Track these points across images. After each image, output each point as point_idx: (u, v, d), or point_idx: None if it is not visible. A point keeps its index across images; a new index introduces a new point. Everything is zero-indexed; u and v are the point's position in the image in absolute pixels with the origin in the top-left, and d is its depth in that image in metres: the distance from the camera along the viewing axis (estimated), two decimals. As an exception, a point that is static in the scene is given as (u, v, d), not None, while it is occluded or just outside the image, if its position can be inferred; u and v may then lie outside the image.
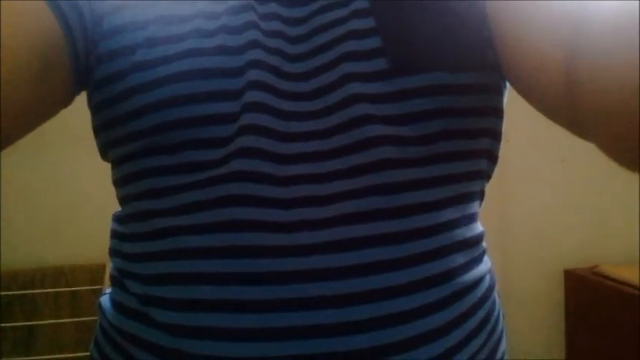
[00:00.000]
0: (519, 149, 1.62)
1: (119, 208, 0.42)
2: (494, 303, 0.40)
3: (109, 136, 0.39)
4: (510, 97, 0.41)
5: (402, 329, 0.32)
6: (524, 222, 1.77)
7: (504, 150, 0.42)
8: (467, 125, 0.37)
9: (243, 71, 0.36)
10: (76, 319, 1.46)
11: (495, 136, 0.40)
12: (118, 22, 0.38)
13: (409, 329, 0.32)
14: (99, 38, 0.37)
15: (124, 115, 0.36)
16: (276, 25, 0.38)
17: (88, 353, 0.42)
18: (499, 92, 0.39)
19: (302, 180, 0.34)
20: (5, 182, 1.45)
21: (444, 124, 0.35)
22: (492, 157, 0.41)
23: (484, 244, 0.41)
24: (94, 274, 1.51)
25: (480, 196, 0.42)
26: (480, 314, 0.37)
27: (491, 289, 0.40)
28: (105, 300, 0.41)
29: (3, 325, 1.42)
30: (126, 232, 0.40)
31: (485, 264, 0.40)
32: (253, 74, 0.35)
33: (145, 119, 0.35)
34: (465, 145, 0.37)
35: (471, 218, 0.39)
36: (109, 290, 0.41)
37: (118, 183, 0.41)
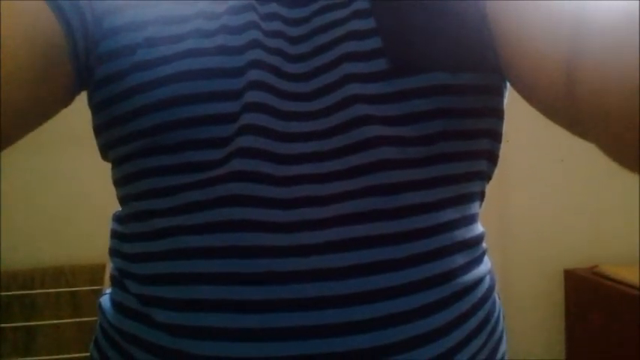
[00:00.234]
0: (519, 149, 1.62)
1: (119, 208, 0.42)
2: (494, 303, 0.40)
3: (110, 136, 0.39)
4: (510, 98, 0.41)
5: (402, 329, 0.32)
6: (524, 222, 1.77)
7: (504, 150, 0.42)
8: (467, 126, 0.36)
9: (243, 71, 0.36)
10: (76, 320, 1.46)
11: (496, 136, 0.40)
12: (118, 22, 0.38)
13: (410, 329, 0.32)
14: (99, 38, 0.37)
15: (124, 115, 0.36)
16: (276, 26, 0.38)
17: (88, 354, 0.42)
18: (499, 93, 0.39)
19: (302, 180, 0.34)
20: (5, 182, 1.45)
21: (444, 125, 0.35)
22: (492, 158, 0.41)
23: (484, 244, 0.41)
24: (94, 274, 1.50)
25: (480, 196, 0.42)
26: (480, 314, 0.37)
27: (491, 289, 0.40)
28: (105, 300, 0.41)
29: (3, 325, 1.42)
30: (126, 232, 0.40)
31: (486, 265, 0.40)
32: (254, 74, 0.35)
33: (145, 119, 0.35)
34: (465, 146, 0.37)
35: (471, 219, 0.39)
36: (109, 290, 0.41)
37: (118, 183, 0.41)
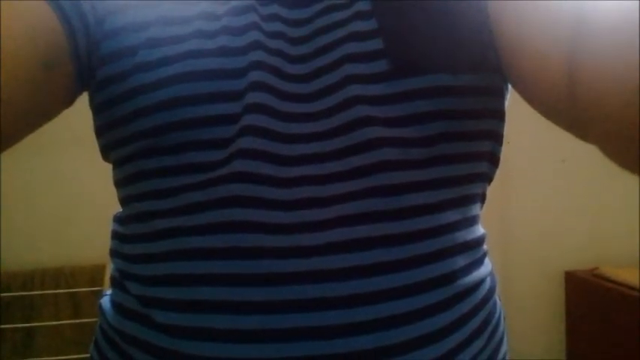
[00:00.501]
0: (520, 151, 1.62)
1: (120, 209, 0.42)
2: (495, 305, 0.40)
3: (111, 137, 0.39)
4: (511, 99, 0.41)
5: (404, 330, 0.32)
6: (525, 224, 1.77)
7: (505, 152, 0.42)
8: (468, 127, 0.36)
9: (245, 72, 0.36)
10: (75, 321, 1.46)
11: (497, 138, 0.40)
12: (119, 23, 0.38)
13: (411, 330, 0.32)
14: (101, 39, 0.37)
15: (125, 116, 0.36)
16: (277, 27, 0.38)
17: (87, 355, 0.42)
18: (501, 94, 0.39)
19: (303, 181, 0.34)
20: (5, 182, 1.45)
21: (446, 126, 0.35)
22: (494, 160, 0.41)
23: (485, 246, 0.41)
24: (93, 275, 1.51)
25: (482, 198, 0.42)
26: (482, 316, 0.37)
27: (492, 291, 0.40)
28: (105, 301, 0.41)
29: (2, 326, 1.42)
30: (127, 233, 0.40)
31: (486, 266, 0.40)
32: (255, 75, 0.35)
33: (147, 120, 0.35)
34: (466, 147, 0.37)
35: (472, 220, 0.39)
36: (109, 292, 0.41)
37: (119, 184, 0.41)
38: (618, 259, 1.70)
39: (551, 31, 0.29)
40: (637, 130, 0.23)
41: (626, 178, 0.34)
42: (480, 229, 0.41)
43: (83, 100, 0.41)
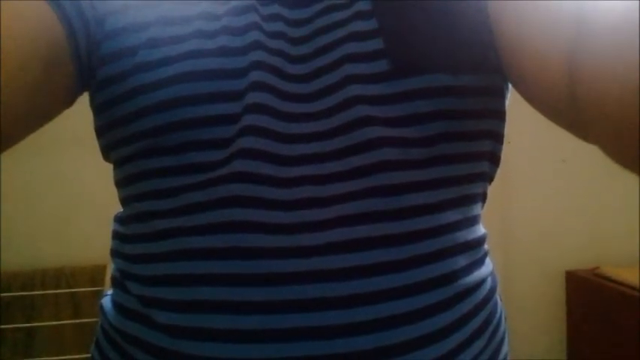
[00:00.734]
0: (521, 151, 1.62)
1: (120, 209, 0.42)
2: (496, 305, 0.40)
3: (111, 137, 0.39)
4: (512, 99, 0.41)
5: (404, 330, 0.32)
6: (526, 223, 1.77)
7: (506, 151, 0.42)
8: (468, 127, 0.36)
9: (245, 72, 0.36)
10: (76, 321, 1.46)
11: (497, 138, 0.40)
12: (120, 23, 0.38)
13: (412, 330, 0.32)
14: (101, 39, 0.37)
15: (126, 116, 0.36)
16: (278, 27, 0.38)
17: (88, 355, 0.42)
18: (501, 94, 0.39)
19: (303, 181, 0.34)
20: (5, 182, 1.45)
21: (446, 126, 0.35)
22: (494, 160, 0.41)
23: (486, 246, 0.41)
24: (94, 275, 1.51)
25: (482, 198, 0.42)
26: (482, 316, 0.37)
27: (493, 291, 0.40)
28: (106, 301, 0.41)
29: (3, 326, 1.42)
30: (127, 233, 0.40)
31: (487, 266, 0.40)
32: (255, 75, 0.35)
33: (147, 120, 0.35)
34: (467, 147, 0.37)
35: (473, 220, 0.39)
36: (110, 292, 0.41)
37: (119, 184, 0.41)
38: (619, 258, 1.70)
39: (551, 31, 0.29)
40: (637, 130, 0.23)
41: (627, 178, 0.34)
42: (480, 229, 0.41)
43: (83, 100, 0.41)
